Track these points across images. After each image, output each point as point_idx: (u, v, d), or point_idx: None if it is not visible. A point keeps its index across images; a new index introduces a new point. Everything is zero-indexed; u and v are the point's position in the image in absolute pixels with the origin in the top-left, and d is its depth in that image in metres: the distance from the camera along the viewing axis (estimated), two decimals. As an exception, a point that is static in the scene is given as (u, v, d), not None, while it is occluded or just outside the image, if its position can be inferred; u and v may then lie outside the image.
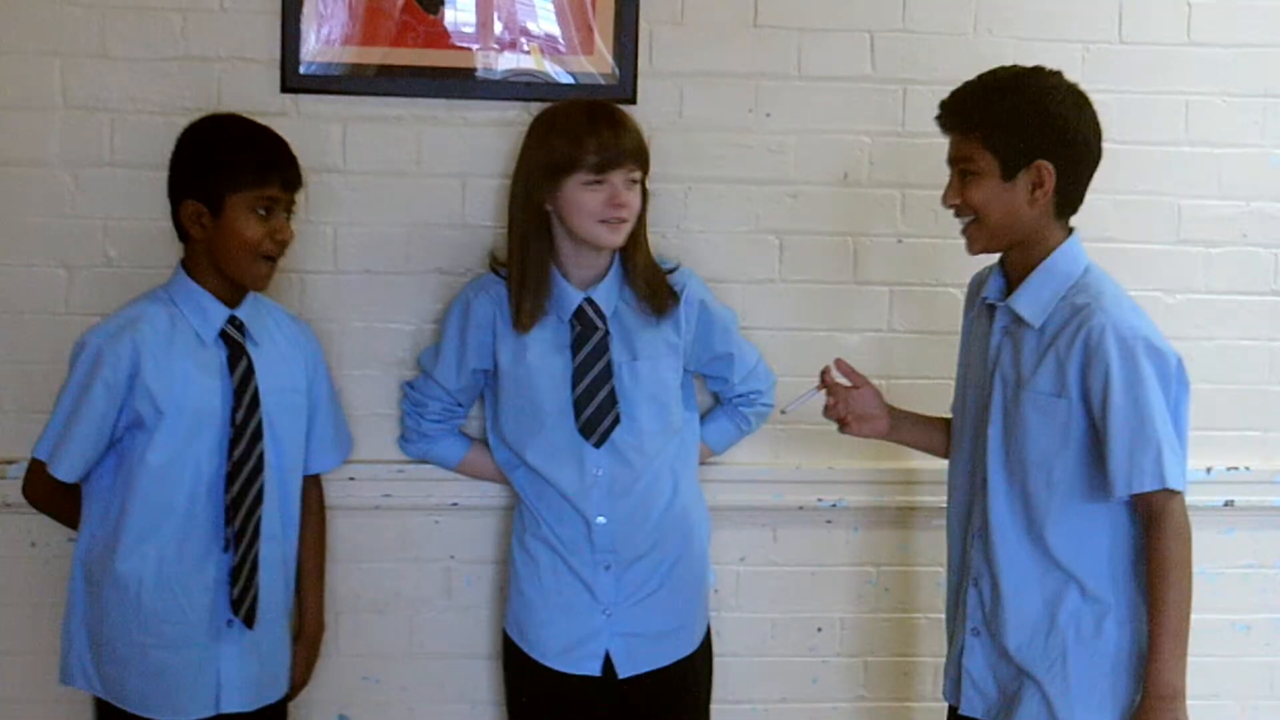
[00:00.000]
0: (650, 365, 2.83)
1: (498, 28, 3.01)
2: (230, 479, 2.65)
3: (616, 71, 3.01)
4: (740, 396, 3.00)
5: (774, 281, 3.12)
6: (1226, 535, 3.31)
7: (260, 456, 2.67)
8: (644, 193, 2.80)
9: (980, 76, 2.54)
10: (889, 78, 3.10)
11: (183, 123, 2.76)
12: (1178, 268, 3.22)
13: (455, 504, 3.07)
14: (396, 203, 3.01)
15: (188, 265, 2.67)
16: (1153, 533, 2.42)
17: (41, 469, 2.65)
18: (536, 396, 2.81)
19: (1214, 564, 3.30)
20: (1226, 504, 3.25)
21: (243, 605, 2.66)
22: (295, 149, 2.89)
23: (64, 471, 2.63)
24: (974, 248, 2.56)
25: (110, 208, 2.94)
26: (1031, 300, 2.51)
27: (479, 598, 3.13)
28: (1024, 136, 2.44)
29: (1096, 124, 2.50)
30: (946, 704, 2.70)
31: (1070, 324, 2.45)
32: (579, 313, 2.80)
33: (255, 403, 2.67)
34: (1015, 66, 2.54)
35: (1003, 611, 2.53)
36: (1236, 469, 3.26)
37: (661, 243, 3.00)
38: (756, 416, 3.04)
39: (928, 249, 3.13)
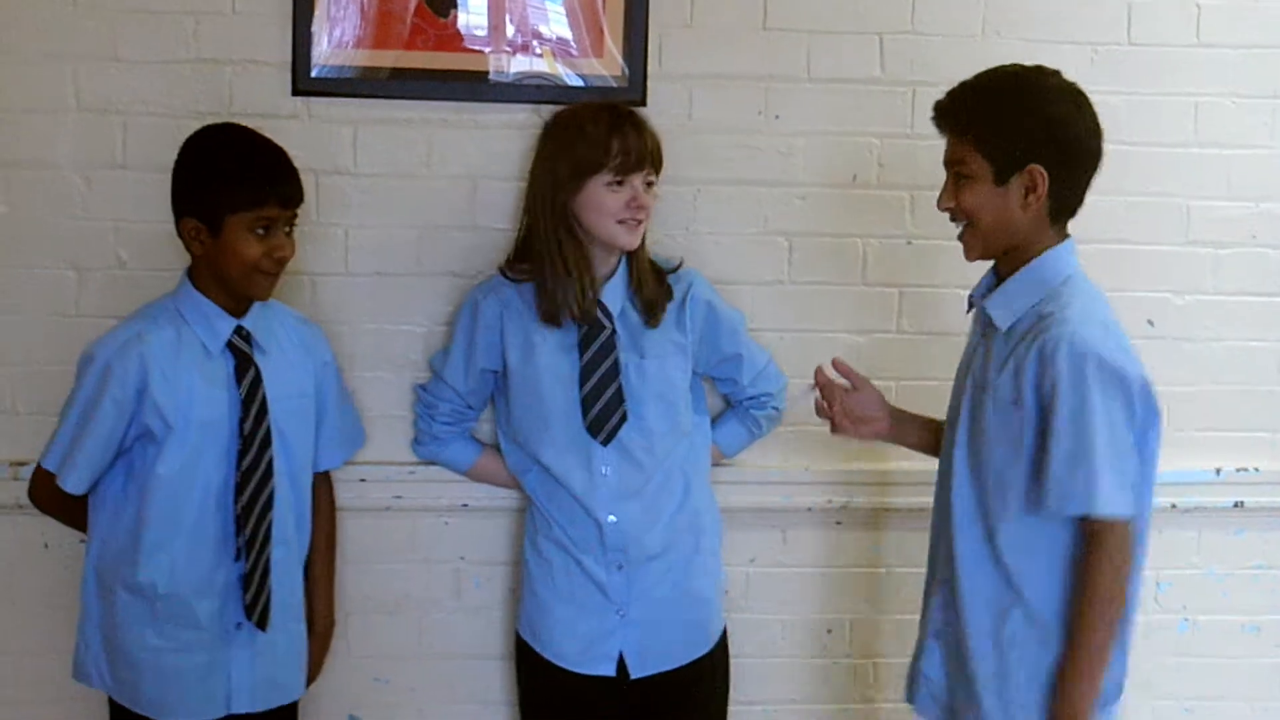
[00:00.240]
0: (657, 364, 2.84)
1: (510, 30, 3.01)
2: (240, 488, 2.66)
3: (626, 73, 3.02)
4: (751, 399, 3.01)
5: (783, 283, 3.13)
6: (1236, 536, 3.31)
7: (270, 464, 2.68)
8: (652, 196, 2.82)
9: (976, 77, 2.48)
10: (898, 80, 3.10)
11: (194, 126, 2.77)
12: (1187, 269, 3.22)
13: (465, 505, 3.08)
14: (407, 205, 3.02)
15: (194, 276, 2.67)
16: (1087, 559, 2.34)
17: (49, 478, 2.66)
18: (544, 395, 2.82)
19: (1223, 565, 3.32)
20: (1236, 505, 3.26)
21: (255, 610, 2.68)
22: (306, 152, 2.93)
23: (73, 484, 2.64)
24: (970, 253, 2.51)
25: (121, 210, 2.95)
26: (1004, 304, 2.46)
27: (489, 599, 3.14)
28: (1016, 140, 2.39)
29: (1095, 125, 2.43)
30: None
31: (1031, 332, 2.39)
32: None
33: (263, 411, 2.67)
34: (1012, 66, 2.48)
35: (961, 618, 2.48)
36: (1246, 470, 3.26)
37: (670, 244, 3.01)
38: (767, 420, 3.05)
39: (936, 251, 3.12)
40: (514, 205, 3.01)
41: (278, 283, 2.68)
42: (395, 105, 3.00)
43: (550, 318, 2.80)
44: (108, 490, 2.68)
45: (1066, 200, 2.44)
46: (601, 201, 2.73)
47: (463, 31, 3.01)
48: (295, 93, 2.97)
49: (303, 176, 2.92)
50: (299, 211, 2.68)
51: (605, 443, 2.81)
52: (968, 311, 2.61)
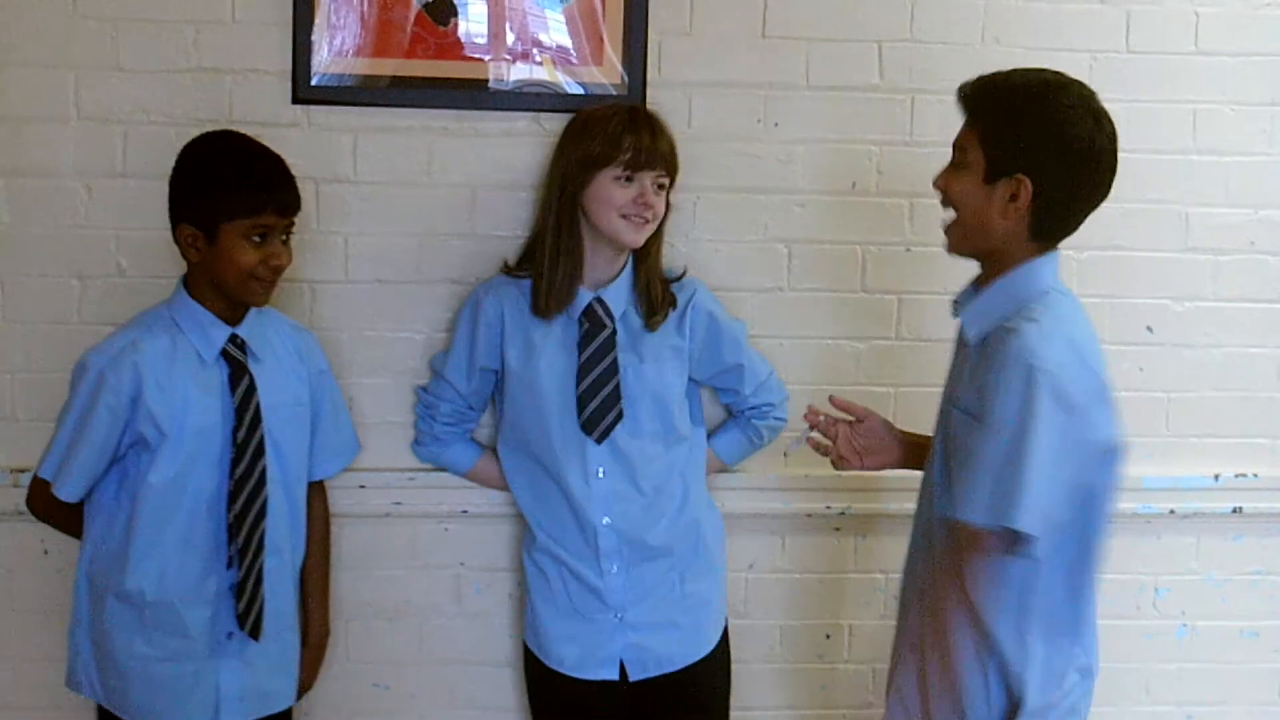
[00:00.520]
0: (656, 368, 2.86)
1: (509, 39, 3.02)
2: (232, 497, 2.66)
3: (626, 81, 3.03)
4: (753, 409, 3.01)
5: (782, 290, 3.14)
6: (1235, 542, 3.32)
7: (263, 472, 2.68)
8: (667, 205, 2.83)
9: (1010, 72, 2.38)
10: (897, 87, 3.11)
11: (195, 134, 2.78)
12: (1186, 275, 3.23)
13: (465, 511, 3.09)
14: (407, 213, 3.03)
15: (189, 283, 2.67)
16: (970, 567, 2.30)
17: (45, 487, 2.67)
18: (541, 392, 2.83)
19: (1222, 570, 3.32)
20: (1235, 510, 3.27)
21: (248, 619, 2.68)
22: (306, 160, 2.94)
23: (67, 493, 2.65)
24: (949, 247, 2.45)
25: (122, 218, 2.96)
26: (976, 317, 2.41)
27: (488, 605, 3.15)
28: (1015, 145, 2.30)
29: (1105, 154, 2.34)
30: None
31: (995, 346, 2.31)
32: (588, 311, 2.83)
33: (257, 419, 2.67)
34: (1049, 73, 2.36)
35: (932, 633, 2.44)
36: (1245, 475, 3.26)
37: (670, 252, 3.01)
38: (769, 430, 3.05)
39: (936, 258, 3.10)
40: (514, 213, 3.02)
41: (274, 291, 2.67)
42: (395, 113, 3.01)
43: (538, 309, 2.82)
44: (101, 497, 2.69)
45: (1052, 219, 2.35)
46: (609, 194, 2.75)
47: (463, 40, 3.01)
48: (295, 101, 2.98)
49: (302, 185, 2.93)
50: (296, 220, 2.68)
51: (599, 440, 2.82)
52: (953, 316, 2.55)
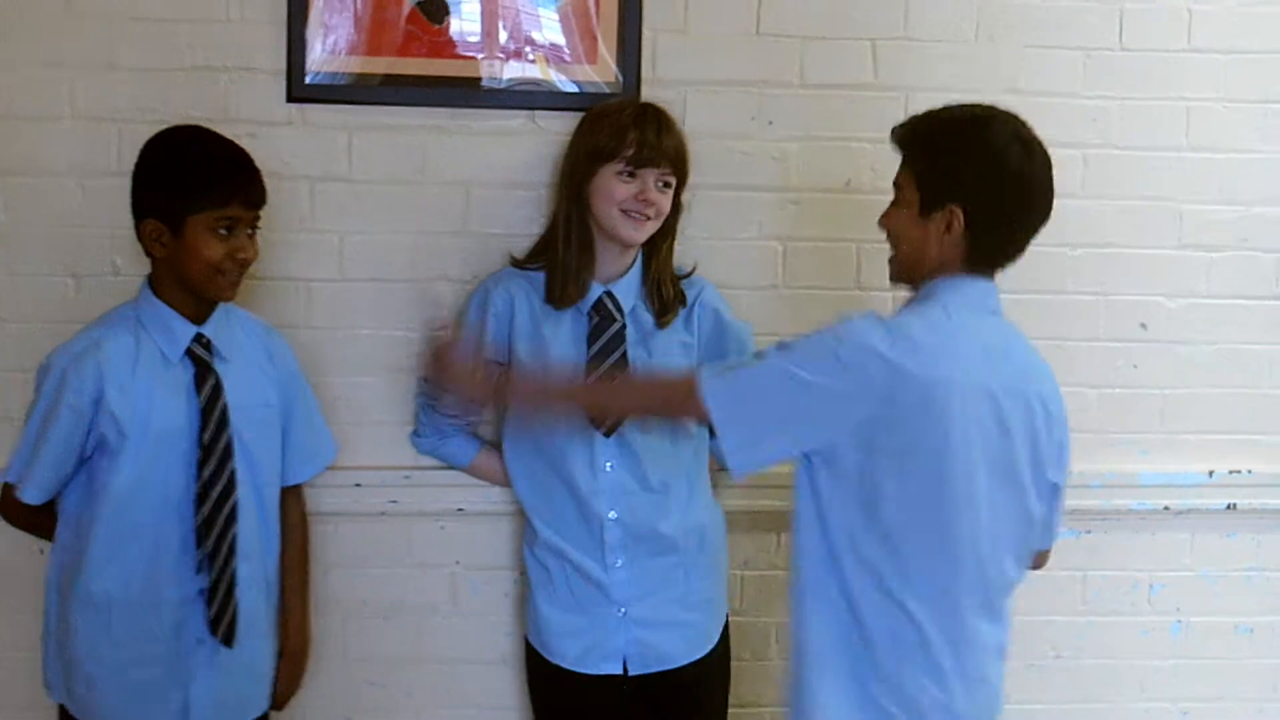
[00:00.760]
0: (664, 363, 2.86)
1: (503, 37, 3.02)
2: (200, 499, 2.61)
3: (620, 80, 3.03)
4: None
5: (776, 287, 3.14)
6: (1229, 539, 3.33)
7: (232, 475, 2.63)
8: (677, 204, 2.84)
9: (939, 109, 2.44)
10: (891, 85, 3.11)
11: (191, 132, 2.80)
12: (1179, 272, 3.24)
13: (461, 510, 3.08)
14: (402, 211, 3.03)
15: (153, 282, 2.63)
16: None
17: (12, 490, 2.64)
18: None
19: (1216, 567, 3.33)
20: (1229, 507, 3.27)
21: (220, 625, 2.63)
22: (301, 158, 2.96)
23: (30, 494, 2.62)
24: (892, 277, 2.48)
25: (117, 217, 2.91)
26: None
27: (484, 603, 3.15)
28: (945, 178, 2.34)
29: (1039, 185, 2.36)
30: None
31: None
32: (598, 305, 2.83)
33: (224, 421, 2.62)
34: (977, 108, 2.41)
35: None
36: (1239, 472, 3.27)
37: (666, 250, 3.02)
38: None
39: (930, 255, 3.14)
40: (509, 211, 3.02)
41: (239, 285, 2.64)
42: (389, 112, 3.01)
43: (553, 299, 2.82)
44: (69, 500, 2.65)
45: (985, 248, 2.36)
46: (610, 188, 2.76)
47: (455, 38, 3.02)
48: (290, 99, 2.98)
49: (297, 183, 2.97)
50: (260, 214, 2.65)
51: (608, 434, 2.81)
52: None
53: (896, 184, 2.45)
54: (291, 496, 2.87)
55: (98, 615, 2.60)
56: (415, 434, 3.05)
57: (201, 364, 2.63)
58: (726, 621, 2.98)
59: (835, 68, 3.10)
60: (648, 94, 3.02)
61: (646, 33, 3.04)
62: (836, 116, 3.11)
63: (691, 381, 2.30)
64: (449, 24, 3.01)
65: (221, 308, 2.68)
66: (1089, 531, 3.27)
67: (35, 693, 2.88)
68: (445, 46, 3.02)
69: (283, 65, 2.97)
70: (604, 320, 2.84)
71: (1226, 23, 3.18)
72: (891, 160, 3.06)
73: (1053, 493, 2.43)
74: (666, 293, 2.87)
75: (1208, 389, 3.28)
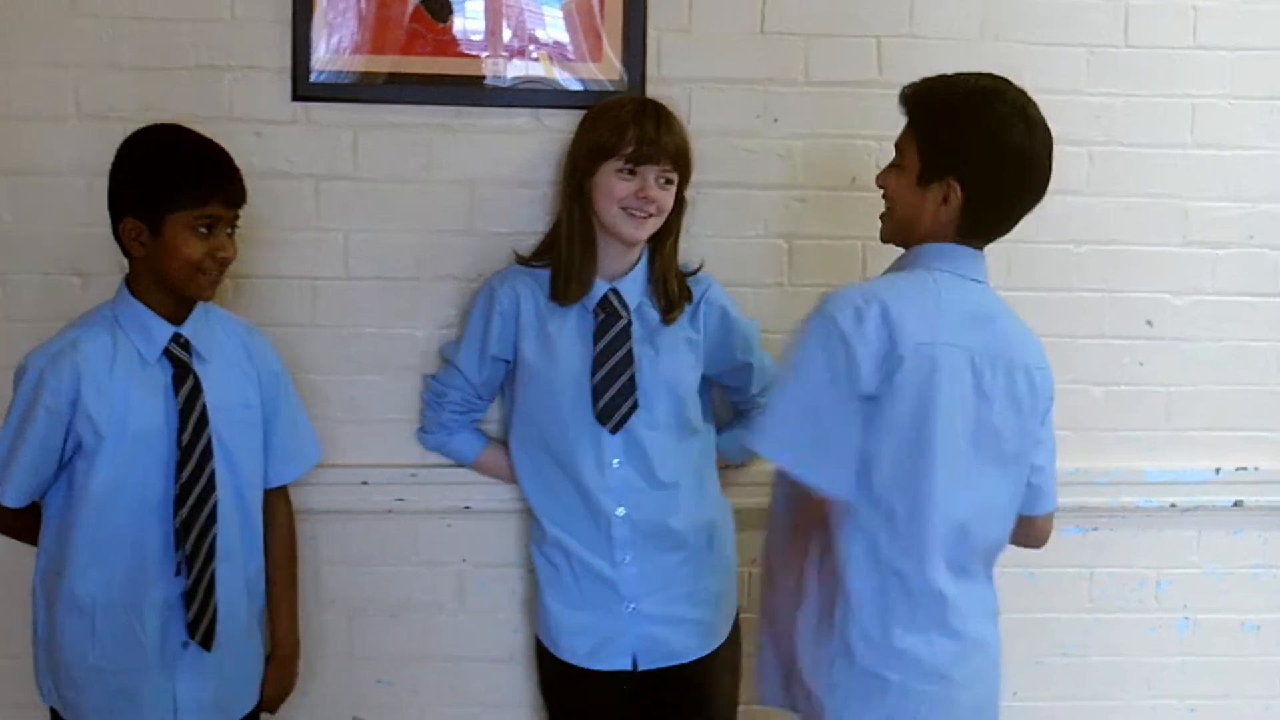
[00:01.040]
0: (670, 360, 2.86)
1: (506, 35, 3.02)
2: (179, 501, 2.58)
3: (625, 78, 3.03)
4: (758, 408, 3.01)
5: (782, 285, 3.14)
6: (1236, 536, 3.32)
7: (211, 476, 2.60)
8: (680, 201, 2.84)
9: (949, 77, 2.46)
10: (896, 82, 3.04)
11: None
12: (1185, 269, 3.23)
13: (468, 507, 3.09)
14: (407, 209, 3.03)
15: (131, 282, 2.61)
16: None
17: None
18: (556, 384, 2.83)
19: (1222, 564, 3.33)
20: (1236, 504, 3.27)
21: (199, 628, 2.60)
22: (306, 157, 2.96)
23: (10, 498, 2.60)
24: (882, 235, 2.54)
25: (123, 216, 2.96)
26: None
27: (491, 601, 3.15)
28: (947, 150, 2.37)
29: (1039, 164, 2.39)
30: None
31: None
32: (603, 302, 2.84)
33: (204, 422, 2.60)
34: (981, 78, 2.43)
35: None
36: (1245, 469, 3.27)
37: (670, 248, 3.02)
38: None
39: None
40: (514, 209, 3.02)
41: (219, 284, 2.62)
42: (394, 110, 3.01)
43: (558, 296, 2.83)
44: (52, 504, 2.63)
45: (980, 224, 2.41)
46: (610, 186, 2.76)
47: (459, 36, 3.01)
48: (295, 98, 2.98)
49: (302, 181, 2.97)
50: (240, 213, 2.63)
51: (614, 430, 2.82)
52: None
53: (899, 146, 2.48)
54: (277, 498, 2.84)
55: (82, 619, 2.58)
56: (421, 430, 3.05)
57: (180, 364, 2.60)
58: (737, 617, 2.99)
59: (840, 65, 3.10)
60: (653, 92, 3.02)
61: (651, 31, 3.03)
62: (841, 114, 3.11)
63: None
64: (453, 22, 3.01)
65: (201, 307, 2.65)
66: (1095, 529, 3.27)
67: (26, 694, 2.87)
68: (449, 45, 3.02)
69: (287, 64, 2.97)
70: (609, 317, 2.84)
71: (1232, 20, 3.17)
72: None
73: (1042, 458, 2.49)
74: (672, 289, 2.87)
75: (1213, 386, 3.27)
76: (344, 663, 3.11)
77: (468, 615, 3.15)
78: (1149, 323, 3.23)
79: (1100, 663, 3.34)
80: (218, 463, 2.62)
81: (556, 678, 2.93)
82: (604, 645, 2.86)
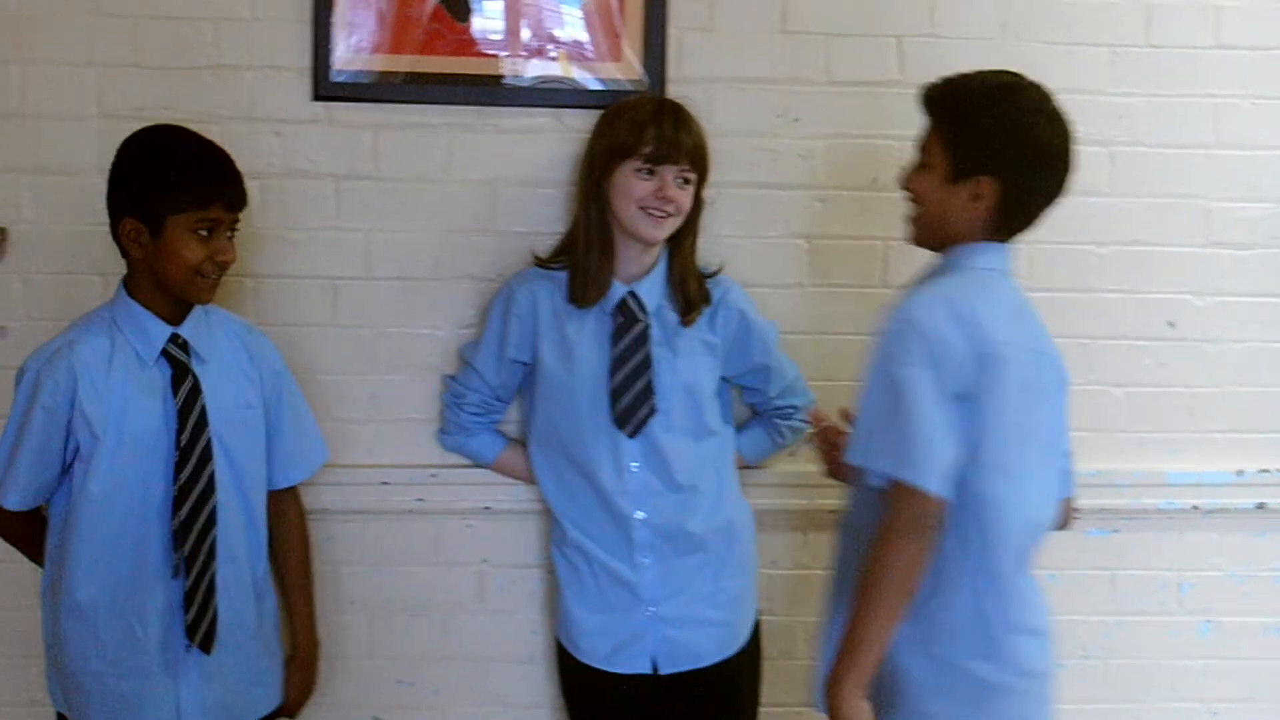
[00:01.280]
0: (689, 363, 2.85)
1: (525, 35, 3.02)
2: (177, 502, 2.56)
3: (645, 78, 3.02)
4: (776, 410, 3.01)
5: (803, 285, 3.13)
6: (1259, 538, 3.30)
7: (211, 477, 2.58)
8: (699, 201, 2.83)
9: (970, 74, 2.46)
10: (917, 82, 3.04)
11: (216, 131, 2.79)
12: (1208, 270, 3.22)
13: (488, 508, 3.08)
14: (428, 209, 3.03)
15: (129, 283, 2.60)
16: (882, 524, 2.29)
17: None
18: (574, 387, 2.82)
19: (1245, 567, 3.31)
20: (1258, 506, 3.25)
21: (198, 631, 2.58)
22: (327, 156, 2.97)
23: (12, 501, 2.59)
24: (913, 238, 2.53)
25: (144, 216, 2.96)
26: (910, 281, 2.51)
27: (512, 601, 3.15)
28: (977, 148, 2.38)
29: (1065, 157, 2.40)
30: None
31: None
32: (621, 305, 2.83)
33: (203, 422, 2.58)
34: (1003, 75, 2.43)
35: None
36: (1268, 471, 3.25)
37: (692, 248, 3.02)
38: (791, 431, 3.04)
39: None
40: (535, 209, 3.02)
41: (217, 288, 2.60)
42: (415, 110, 3.01)
43: (576, 298, 2.82)
44: (55, 508, 2.62)
45: (1010, 217, 2.42)
46: (629, 186, 2.75)
47: (478, 36, 3.01)
48: (316, 98, 2.98)
49: (323, 181, 2.98)
50: (241, 217, 2.62)
51: (632, 435, 2.81)
52: None
53: (923, 146, 2.48)
54: (287, 499, 2.83)
55: (85, 623, 2.57)
56: (441, 431, 3.04)
57: (178, 365, 2.59)
58: (757, 620, 2.98)
59: (861, 65, 3.09)
60: (673, 91, 3.02)
61: (672, 30, 3.03)
62: (863, 114, 3.10)
63: (904, 497, 2.26)
64: (472, 22, 3.01)
65: (200, 308, 2.64)
66: (1117, 531, 3.26)
67: (25, 696, 2.88)
68: (468, 44, 3.02)
69: (308, 63, 2.97)
70: (628, 321, 2.83)
71: (1255, 19, 3.16)
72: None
73: (1067, 442, 2.54)
74: (690, 291, 2.86)
75: (1236, 388, 3.26)
76: (364, 663, 3.11)
77: (488, 615, 3.15)
78: (1171, 324, 3.22)
79: (1122, 665, 3.32)
80: (218, 464, 2.60)
81: (576, 679, 2.92)
82: (623, 647, 2.85)
